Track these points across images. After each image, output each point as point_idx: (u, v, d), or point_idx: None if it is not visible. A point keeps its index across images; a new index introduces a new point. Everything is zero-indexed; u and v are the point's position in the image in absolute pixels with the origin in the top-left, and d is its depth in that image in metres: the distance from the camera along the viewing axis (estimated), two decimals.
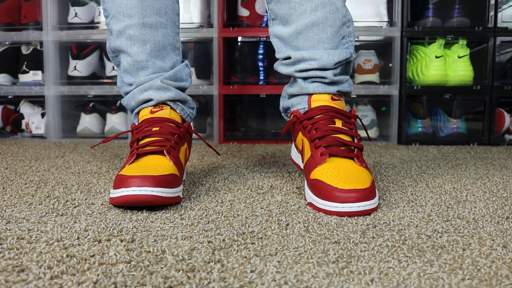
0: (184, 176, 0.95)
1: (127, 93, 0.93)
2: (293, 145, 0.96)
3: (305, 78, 0.88)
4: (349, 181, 0.74)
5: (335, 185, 0.73)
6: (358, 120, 0.90)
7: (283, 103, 0.95)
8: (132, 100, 0.91)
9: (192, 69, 1.70)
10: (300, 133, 0.87)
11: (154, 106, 0.89)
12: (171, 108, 0.89)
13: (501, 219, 0.70)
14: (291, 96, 0.92)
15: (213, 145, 1.58)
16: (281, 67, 0.92)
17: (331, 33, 0.85)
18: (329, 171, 0.77)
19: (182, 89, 0.93)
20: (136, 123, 0.91)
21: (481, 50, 1.62)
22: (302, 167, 0.92)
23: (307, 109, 0.87)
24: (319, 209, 0.74)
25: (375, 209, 0.73)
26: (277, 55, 0.92)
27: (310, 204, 0.77)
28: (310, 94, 0.87)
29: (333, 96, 0.87)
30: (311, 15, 0.84)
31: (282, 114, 0.98)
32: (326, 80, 0.86)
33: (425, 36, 1.62)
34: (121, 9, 0.87)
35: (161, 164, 0.77)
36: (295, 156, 0.95)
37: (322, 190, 0.74)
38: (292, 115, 0.90)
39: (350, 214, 0.71)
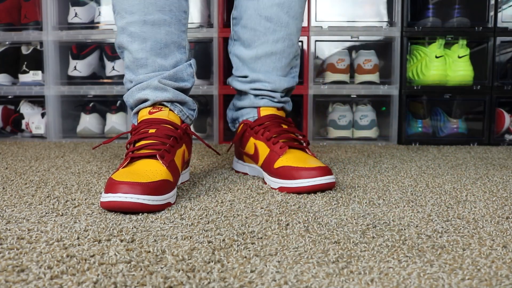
0: (186, 177, 0.95)
1: (128, 90, 0.93)
2: (234, 158, 1.08)
3: (256, 95, 1.01)
4: (309, 162, 0.87)
5: (302, 165, 0.86)
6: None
7: (231, 114, 1.07)
8: (131, 97, 0.91)
9: None
10: (251, 138, 0.98)
11: (153, 107, 0.89)
12: (170, 109, 0.89)
13: (501, 219, 0.70)
14: (240, 108, 1.04)
15: (213, 145, 1.58)
16: (236, 83, 1.03)
17: (285, 63, 1.00)
18: (291, 158, 0.89)
19: (182, 90, 0.93)
20: (136, 123, 0.91)
21: (481, 50, 1.62)
22: (249, 172, 1.03)
23: (256, 117, 1.00)
24: (292, 189, 0.85)
25: (334, 184, 0.87)
26: (235, 72, 1.04)
27: (280, 188, 0.87)
28: (259, 107, 1.01)
29: (277, 108, 1.02)
30: (272, 45, 0.98)
31: (229, 125, 1.10)
32: (275, 100, 1.01)
33: (425, 36, 1.62)
34: (123, 5, 0.87)
35: (153, 170, 0.76)
36: (240, 167, 1.05)
37: (291, 172, 0.86)
38: (242, 124, 1.01)
39: (321, 187, 0.84)
